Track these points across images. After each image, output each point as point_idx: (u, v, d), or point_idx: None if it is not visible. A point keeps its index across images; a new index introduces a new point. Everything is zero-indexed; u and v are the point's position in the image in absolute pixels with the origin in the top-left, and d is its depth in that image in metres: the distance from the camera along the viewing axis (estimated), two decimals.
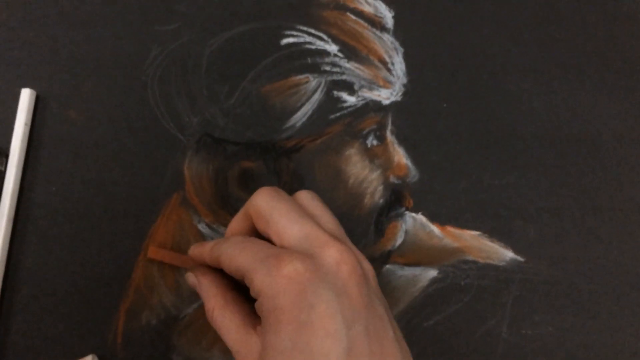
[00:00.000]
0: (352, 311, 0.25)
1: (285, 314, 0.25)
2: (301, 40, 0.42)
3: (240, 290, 0.31)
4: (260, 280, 0.26)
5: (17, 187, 0.38)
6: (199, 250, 0.32)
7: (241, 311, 0.29)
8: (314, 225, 0.28)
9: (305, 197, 0.31)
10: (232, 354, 0.29)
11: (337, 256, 0.26)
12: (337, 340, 0.24)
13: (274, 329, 0.25)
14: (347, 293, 0.26)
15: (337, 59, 0.42)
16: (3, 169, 0.38)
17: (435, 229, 0.39)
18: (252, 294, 0.27)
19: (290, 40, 0.42)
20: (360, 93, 0.41)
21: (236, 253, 0.28)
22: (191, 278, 0.32)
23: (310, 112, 0.41)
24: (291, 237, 0.27)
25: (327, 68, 0.41)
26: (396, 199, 0.40)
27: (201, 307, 0.37)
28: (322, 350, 0.24)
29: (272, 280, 0.25)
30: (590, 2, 0.45)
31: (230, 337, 0.28)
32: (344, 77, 0.41)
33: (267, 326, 0.25)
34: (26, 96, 0.39)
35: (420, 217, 0.39)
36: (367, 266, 0.29)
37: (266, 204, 0.29)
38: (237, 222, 0.32)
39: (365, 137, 0.40)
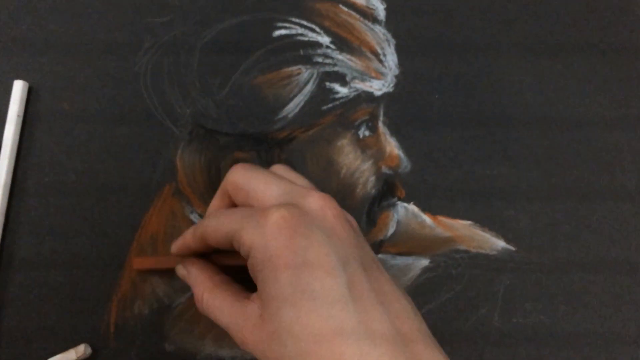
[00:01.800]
0: (345, 250, 0.25)
1: (281, 259, 0.25)
2: (293, 32, 0.42)
3: (227, 274, 0.31)
4: (250, 234, 0.26)
5: (10, 177, 0.38)
6: (181, 241, 0.32)
7: (231, 289, 0.29)
8: (291, 183, 0.28)
9: (279, 167, 0.31)
10: (227, 338, 0.29)
11: (321, 202, 0.27)
12: (336, 276, 0.24)
13: (272, 278, 0.25)
14: (336, 234, 0.26)
15: (329, 51, 0.42)
16: None
17: (427, 218, 0.39)
18: (243, 252, 0.27)
19: (283, 32, 0.42)
20: (352, 84, 0.41)
21: (221, 221, 0.28)
22: (180, 270, 0.32)
23: (302, 104, 0.41)
24: (272, 197, 0.28)
25: (320, 59, 0.42)
26: (388, 189, 0.40)
27: (193, 297, 0.37)
28: (324, 287, 0.24)
29: (262, 231, 0.25)
30: (585, 3, 0.45)
31: (224, 315, 0.28)
32: (336, 68, 0.42)
33: (263, 279, 0.25)
34: (19, 88, 0.39)
35: (412, 207, 0.39)
36: (350, 217, 0.29)
37: (242, 176, 0.29)
38: (215, 203, 0.32)
39: (357, 128, 0.41)
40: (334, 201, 0.27)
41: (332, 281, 0.24)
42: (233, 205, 0.31)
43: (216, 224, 0.28)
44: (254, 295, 0.27)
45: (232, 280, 0.30)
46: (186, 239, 0.31)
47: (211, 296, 0.29)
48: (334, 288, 0.24)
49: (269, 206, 0.26)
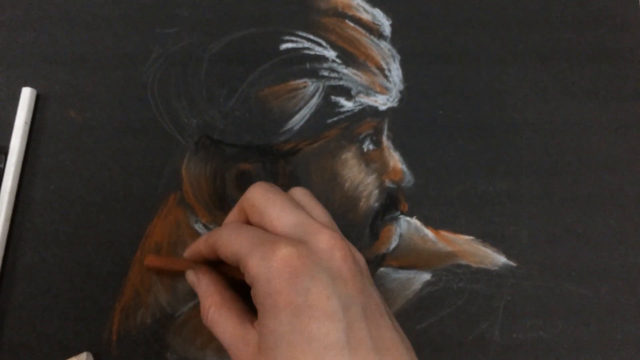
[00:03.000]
0: (348, 294, 0.25)
1: (282, 297, 0.25)
2: (300, 45, 0.43)
3: (237, 291, 0.31)
4: (256, 265, 0.26)
5: (16, 184, 0.38)
6: (195, 245, 0.32)
7: (238, 309, 0.29)
8: (306, 215, 0.28)
9: (298, 192, 0.31)
10: (228, 353, 0.29)
11: (330, 242, 0.27)
12: (335, 320, 0.24)
13: (271, 314, 0.25)
14: (341, 277, 0.26)
15: (335, 65, 0.42)
16: (2, 166, 0.38)
17: (429, 233, 0.40)
18: (247, 280, 0.27)
19: (290, 45, 0.43)
20: (357, 98, 0.42)
21: (232, 238, 0.28)
22: (190, 276, 0.32)
23: (307, 116, 0.41)
24: (285, 226, 0.28)
25: (325, 73, 0.42)
26: (391, 202, 0.40)
27: (196, 307, 0.37)
28: (321, 331, 0.24)
29: (267, 265, 0.25)
30: (584, 14, 0.46)
31: (226, 335, 0.28)
32: (341, 82, 0.42)
33: (264, 312, 0.26)
34: (26, 95, 0.40)
35: (415, 221, 0.40)
36: (359, 256, 0.29)
37: (260, 196, 0.29)
38: (232, 217, 0.32)
39: (362, 141, 0.41)
40: (344, 241, 0.27)
41: (330, 325, 0.24)
42: (248, 222, 0.31)
43: (227, 239, 0.28)
44: (256, 322, 0.27)
45: (240, 297, 0.30)
46: (199, 245, 0.32)
47: (218, 312, 0.29)
48: (331, 332, 0.24)
49: (279, 237, 0.27)
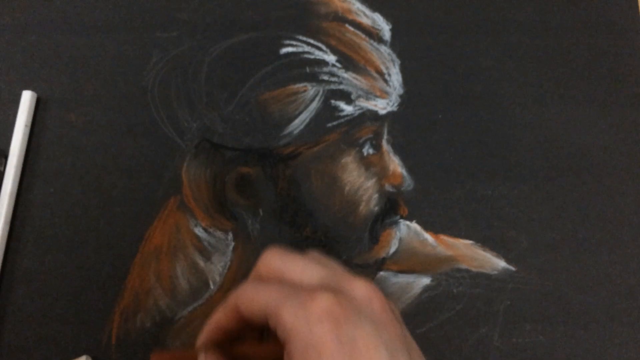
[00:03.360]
0: (393, 343, 0.24)
1: (327, 347, 0.23)
2: (300, 49, 0.43)
3: None
4: (292, 315, 0.24)
5: (16, 187, 0.38)
6: (211, 321, 0.29)
7: None
8: (333, 267, 0.27)
9: (315, 254, 0.30)
10: None
11: (368, 290, 0.26)
12: None
13: None
14: (384, 325, 0.25)
15: (335, 69, 0.43)
16: (2, 169, 0.38)
17: (429, 237, 0.40)
18: (281, 335, 0.25)
19: (290, 49, 0.43)
20: (357, 102, 0.42)
21: (258, 292, 0.26)
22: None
23: (307, 120, 0.41)
24: (314, 277, 0.26)
25: (325, 77, 0.42)
26: (391, 207, 0.40)
27: (196, 310, 0.37)
28: None
29: (306, 314, 0.23)
30: (583, 19, 0.46)
31: None
32: (341, 86, 0.42)
33: None
34: (27, 98, 0.40)
35: (415, 226, 0.40)
36: (394, 306, 0.28)
37: (278, 258, 0.27)
38: (221, 314, 0.28)
39: (362, 145, 0.41)
40: (379, 290, 0.26)
41: None
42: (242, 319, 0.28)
43: (253, 293, 0.26)
44: None
45: None
46: (216, 315, 0.29)
47: None
48: None
49: (313, 286, 0.25)
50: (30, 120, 0.40)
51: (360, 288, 0.26)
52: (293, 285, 0.26)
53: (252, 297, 0.26)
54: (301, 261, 0.27)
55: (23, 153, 0.39)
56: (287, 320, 0.24)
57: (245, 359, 0.29)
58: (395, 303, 0.29)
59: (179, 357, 0.32)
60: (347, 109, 0.42)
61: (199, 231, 0.38)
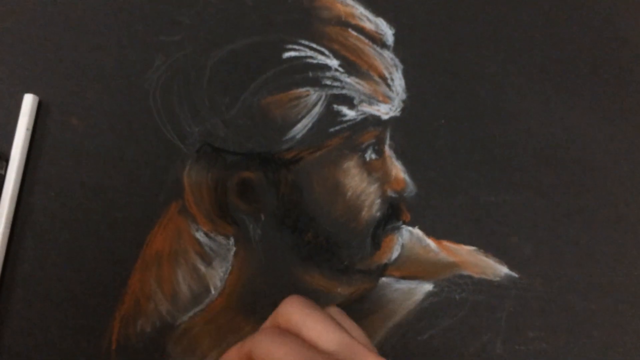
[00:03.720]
0: None
1: None
2: (303, 54, 0.43)
3: None
4: None
5: (17, 191, 0.38)
6: (229, 354, 0.29)
7: None
8: (351, 337, 0.27)
9: (336, 311, 0.30)
10: None
11: None
12: None
13: None
14: None
15: (337, 74, 0.42)
16: (3, 173, 0.38)
17: (431, 243, 0.39)
18: None
19: (292, 54, 0.43)
20: (359, 107, 0.42)
21: (274, 348, 0.26)
22: None
23: (310, 125, 0.41)
24: (329, 344, 0.26)
25: (328, 82, 0.42)
26: (393, 212, 0.40)
27: (196, 316, 0.37)
28: None
29: None
30: (586, 25, 0.46)
31: None
32: (344, 91, 0.42)
33: None
34: (28, 101, 0.40)
35: (417, 231, 0.40)
36: None
37: (298, 311, 0.27)
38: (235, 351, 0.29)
39: (364, 150, 0.41)
40: None
41: None
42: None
43: (268, 348, 0.26)
44: None
45: None
46: (231, 354, 0.29)
47: None
48: None
49: (327, 355, 0.25)
50: (31, 124, 0.40)
51: None
52: (308, 349, 0.25)
53: (267, 351, 0.26)
54: (320, 322, 0.27)
55: (24, 157, 0.39)
56: None
57: None
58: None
59: None
60: (350, 113, 0.42)
61: (200, 236, 0.38)
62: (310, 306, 0.28)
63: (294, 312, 0.27)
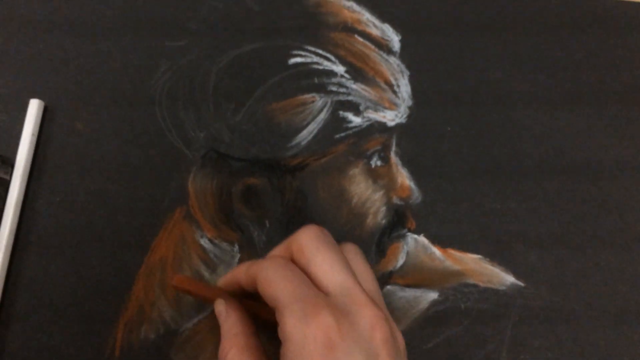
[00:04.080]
0: None
1: None
2: (309, 60, 0.43)
3: (261, 336, 0.30)
4: (292, 324, 0.25)
5: (22, 196, 0.38)
6: (235, 272, 0.31)
7: (259, 358, 0.28)
8: (355, 282, 0.27)
9: (350, 250, 0.30)
10: None
11: (373, 321, 0.26)
12: None
13: None
14: (379, 358, 0.25)
15: (343, 80, 0.42)
16: (8, 178, 0.38)
17: (436, 251, 0.39)
18: (280, 334, 0.26)
19: (298, 60, 0.43)
20: (365, 114, 0.42)
21: (275, 279, 0.27)
22: (220, 306, 0.31)
23: (315, 131, 0.41)
24: (331, 285, 0.27)
25: (334, 88, 0.42)
26: (398, 220, 0.40)
27: (200, 323, 0.36)
28: None
29: (304, 329, 0.24)
30: (593, 33, 0.45)
31: None
32: (350, 97, 0.42)
33: None
34: (34, 107, 0.40)
35: (422, 239, 0.39)
36: (400, 338, 0.28)
37: (312, 243, 0.28)
38: (278, 252, 0.30)
39: (370, 157, 0.41)
40: (386, 321, 0.26)
41: None
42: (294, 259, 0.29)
43: (270, 279, 0.27)
44: None
45: (263, 349, 0.29)
46: (238, 272, 0.30)
47: (237, 357, 0.28)
48: None
49: (322, 299, 0.26)
50: (37, 129, 0.40)
51: (367, 316, 0.26)
52: (307, 287, 0.26)
53: (268, 283, 0.27)
54: (328, 260, 0.27)
55: (29, 162, 0.39)
56: (287, 326, 0.25)
57: (254, 313, 0.31)
58: (399, 332, 0.29)
59: (199, 287, 0.33)
60: (356, 120, 0.41)
61: (204, 242, 0.38)
62: (323, 241, 0.28)
63: (307, 244, 0.28)
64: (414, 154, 0.41)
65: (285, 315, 0.25)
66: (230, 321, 0.30)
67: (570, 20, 0.46)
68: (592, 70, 0.44)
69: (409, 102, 0.42)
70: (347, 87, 0.42)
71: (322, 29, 0.43)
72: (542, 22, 0.46)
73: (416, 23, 0.45)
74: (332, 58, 0.43)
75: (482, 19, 0.45)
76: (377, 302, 0.28)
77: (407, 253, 0.39)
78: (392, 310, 0.38)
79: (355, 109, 0.42)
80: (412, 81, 0.43)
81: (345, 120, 0.41)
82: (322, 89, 0.42)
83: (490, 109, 0.43)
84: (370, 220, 0.40)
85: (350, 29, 0.44)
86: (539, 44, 0.45)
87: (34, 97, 0.40)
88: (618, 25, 0.46)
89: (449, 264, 0.39)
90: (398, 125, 0.42)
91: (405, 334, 0.37)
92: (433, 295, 0.38)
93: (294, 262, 0.29)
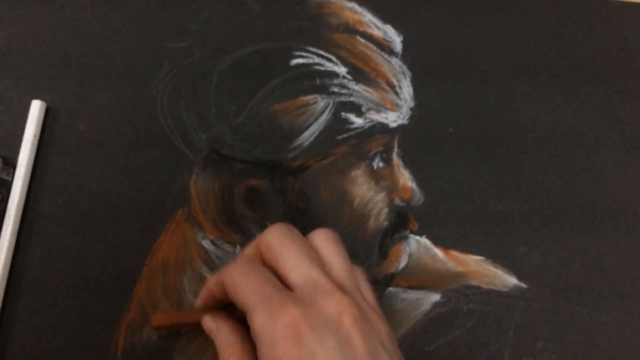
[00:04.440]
0: (355, 358, 0.25)
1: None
2: (311, 61, 0.43)
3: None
4: (261, 323, 0.25)
5: (24, 197, 0.38)
6: (206, 288, 0.31)
7: None
8: (320, 271, 0.27)
9: (320, 237, 0.30)
10: None
11: (339, 307, 0.26)
12: None
13: None
14: (349, 342, 0.25)
15: (345, 81, 0.42)
16: (10, 179, 0.38)
17: (439, 252, 0.39)
18: (252, 334, 0.26)
19: (300, 61, 0.43)
20: (367, 115, 0.42)
21: (240, 283, 0.27)
22: (208, 322, 0.31)
23: (317, 133, 0.41)
24: (297, 279, 0.27)
25: (336, 89, 0.42)
26: (400, 221, 0.40)
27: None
28: None
29: (272, 325, 0.25)
30: (595, 32, 0.45)
31: None
32: (352, 98, 0.42)
33: None
34: (36, 107, 0.40)
35: (425, 241, 0.39)
36: (375, 318, 0.28)
37: (277, 240, 0.28)
38: (248, 252, 0.31)
39: (372, 158, 0.41)
40: (353, 305, 0.26)
41: None
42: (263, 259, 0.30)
43: (236, 283, 0.27)
44: None
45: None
46: (210, 285, 0.31)
47: None
48: None
49: (287, 294, 0.26)
50: (39, 130, 0.40)
51: (332, 303, 0.26)
52: (272, 285, 0.27)
53: (235, 287, 0.27)
54: (293, 255, 0.28)
55: (31, 163, 0.39)
56: (256, 327, 0.25)
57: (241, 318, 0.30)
58: (383, 316, 0.29)
59: (179, 318, 0.32)
60: (358, 121, 0.41)
61: (206, 244, 0.38)
62: (288, 236, 0.29)
63: (273, 241, 0.29)
64: (416, 155, 0.41)
65: (253, 317, 0.26)
66: (222, 334, 0.30)
67: (573, 21, 0.46)
68: (595, 71, 0.44)
69: (411, 104, 0.42)
70: (349, 89, 0.42)
71: (324, 30, 0.43)
72: (545, 23, 0.46)
73: (418, 24, 0.45)
74: (334, 59, 0.43)
75: (484, 20, 0.45)
76: (347, 287, 0.28)
77: (410, 255, 0.39)
78: (394, 312, 0.38)
79: (357, 110, 0.42)
80: (414, 82, 0.43)
81: (347, 121, 0.41)
82: (324, 90, 0.42)
83: (493, 110, 0.43)
84: (372, 222, 0.40)
85: (352, 30, 0.44)
86: (542, 45, 0.45)
87: (36, 98, 0.40)
88: (621, 25, 0.46)
89: (452, 265, 0.39)
90: (400, 127, 0.42)
91: (407, 336, 0.37)
92: (435, 297, 0.38)
93: (263, 261, 0.29)
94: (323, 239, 0.30)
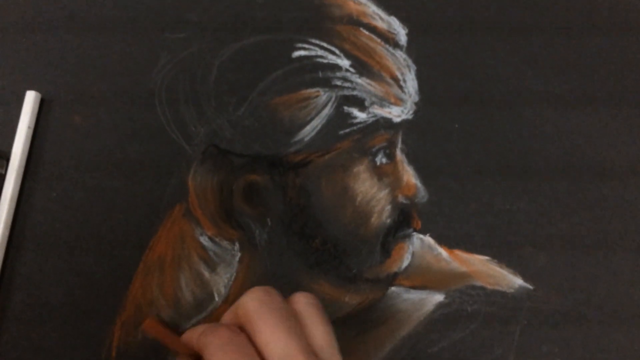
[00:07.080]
0: None
1: None
2: (313, 53, 0.41)
3: None
4: None
5: (17, 191, 0.37)
6: (189, 335, 0.30)
7: None
8: (298, 346, 0.26)
9: (301, 301, 0.29)
10: None
11: None
12: None
13: None
14: None
15: (348, 74, 0.41)
16: (3, 172, 0.37)
17: (443, 252, 0.38)
18: None
19: (302, 53, 0.41)
20: (371, 109, 0.40)
21: (218, 355, 0.26)
22: None
23: (319, 127, 0.40)
24: (273, 354, 0.26)
25: (338, 83, 0.41)
26: (404, 219, 0.39)
27: (199, 323, 0.36)
28: None
29: None
30: (606, 25, 0.44)
31: None
32: (355, 92, 0.41)
33: None
34: (31, 98, 0.39)
35: (428, 239, 0.38)
36: None
37: (255, 310, 0.27)
38: (227, 318, 0.30)
39: (375, 154, 0.40)
40: None
41: None
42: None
43: (211, 354, 0.26)
44: None
45: None
46: (190, 340, 0.30)
47: None
48: None
49: None
50: (33, 121, 0.39)
51: None
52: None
53: (211, 358, 0.26)
54: (270, 327, 0.27)
55: (25, 155, 0.38)
56: None
57: None
58: None
59: (166, 337, 0.31)
60: (361, 115, 0.40)
61: (204, 240, 0.37)
62: (267, 306, 0.28)
63: (251, 309, 0.28)
64: (420, 151, 0.40)
65: None
66: None
67: (582, 18, 0.45)
68: (604, 70, 0.43)
69: (416, 98, 0.41)
70: (352, 82, 0.41)
71: (326, 22, 0.42)
72: (553, 19, 0.44)
73: (423, 16, 0.44)
74: (337, 51, 0.41)
75: (491, 14, 0.44)
76: (327, 357, 0.27)
77: (413, 253, 0.38)
78: (396, 312, 0.37)
79: (361, 104, 0.40)
80: (419, 76, 0.42)
81: (350, 115, 0.40)
82: (326, 83, 0.41)
83: (500, 107, 0.42)
84: (375, 220, 0.39)
85: (355, 21, 0.42)
86: (550, 42, 0.44)
87: (30, 88, 0.39)
88: (633, 23, 0.45)
89: (456, 265, 0.38)
90: (404, 122, 0.41)
91: (409, 337, 0.36)
92: (439, 297, 0.37)
93: (242, 329, 0.28)
94: (303, 303, 0.29)
